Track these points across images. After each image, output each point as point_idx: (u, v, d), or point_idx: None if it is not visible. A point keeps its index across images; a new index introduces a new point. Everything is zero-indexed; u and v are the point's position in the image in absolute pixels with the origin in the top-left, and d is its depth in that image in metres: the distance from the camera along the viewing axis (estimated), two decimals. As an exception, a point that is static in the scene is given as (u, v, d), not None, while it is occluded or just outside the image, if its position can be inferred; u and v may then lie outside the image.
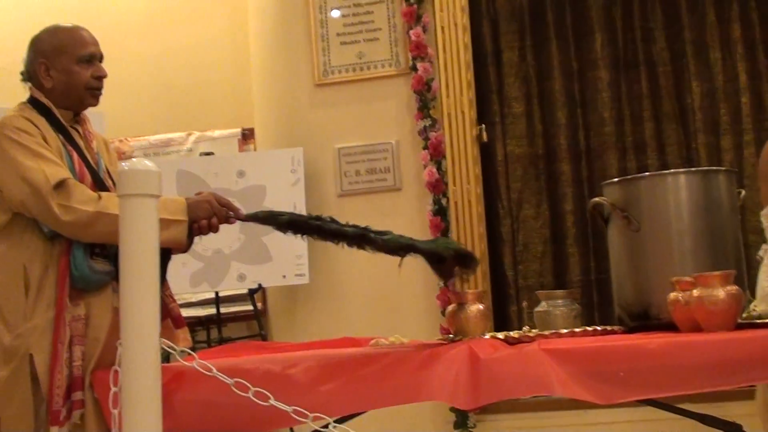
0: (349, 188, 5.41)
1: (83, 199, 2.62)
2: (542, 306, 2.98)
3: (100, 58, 2.92)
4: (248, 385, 2.23)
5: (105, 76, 2.90)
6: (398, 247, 2.66)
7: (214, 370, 2.27)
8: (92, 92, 2.88)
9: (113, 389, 2.22)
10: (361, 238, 2.66)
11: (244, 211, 2.81)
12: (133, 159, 2.08)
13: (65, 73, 2.84)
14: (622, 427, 4.82)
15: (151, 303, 2.16)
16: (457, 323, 2.87)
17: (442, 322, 5.01)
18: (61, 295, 2.61)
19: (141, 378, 2.11)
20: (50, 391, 2.55)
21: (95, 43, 2.91)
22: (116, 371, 2.23)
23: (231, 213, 2.78)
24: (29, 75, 2.89)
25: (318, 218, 2.72)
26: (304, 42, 5.56)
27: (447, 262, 2.68)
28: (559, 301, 2.97)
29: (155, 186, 2.19)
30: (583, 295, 4.66)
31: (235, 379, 2.25)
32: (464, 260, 2.71)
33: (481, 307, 2.88)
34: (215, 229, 2.77)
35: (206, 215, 2.72)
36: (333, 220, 2.70)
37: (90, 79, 2.86)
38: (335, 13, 5.49)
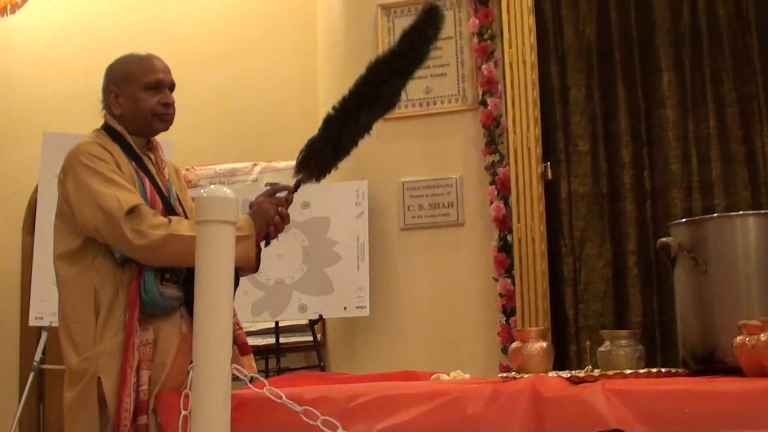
0: (412, 222, 5.42)
1: (155, 223, 2.66)
2: (605, 346, 2.95)
3: (170, 85, 2.95)
4: (317, 413, 2.24)
5: (171, 103, 2.93)
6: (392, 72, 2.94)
7: (284, 398, 2.28)
8: (160, 117, 2.90)
9: (183, 413, 2.24)
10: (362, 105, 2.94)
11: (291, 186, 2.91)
12: (211, 186, 2.12)
13: (132, 100, 2.88)
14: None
15: (224, 328, 2.18)
16: (519, 360, 2.86)
17: (502, 360, 4.97)
18: (130, 320, 2.64)
19: (211, 402, 2.13)
20: (118, 415, 2.57)
21: (165, 71, 2.94)
22: (187, 395, 2.26)
23: (285, 193, 2.86)
24: (104, 102, 2.95)
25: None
26: (372, 76, 5.59)
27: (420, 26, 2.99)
28: (623, 342, 2.93)
29: (232, 213, 2.23)
30: (644, 336, 4.59)
31: (304, 407, 2.27)
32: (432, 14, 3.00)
33: (544, 344, 2.87)
34: (287, 219, 2.85)
35: (273, 212, 2.79)
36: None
37: (156, 105, 2.89)
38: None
